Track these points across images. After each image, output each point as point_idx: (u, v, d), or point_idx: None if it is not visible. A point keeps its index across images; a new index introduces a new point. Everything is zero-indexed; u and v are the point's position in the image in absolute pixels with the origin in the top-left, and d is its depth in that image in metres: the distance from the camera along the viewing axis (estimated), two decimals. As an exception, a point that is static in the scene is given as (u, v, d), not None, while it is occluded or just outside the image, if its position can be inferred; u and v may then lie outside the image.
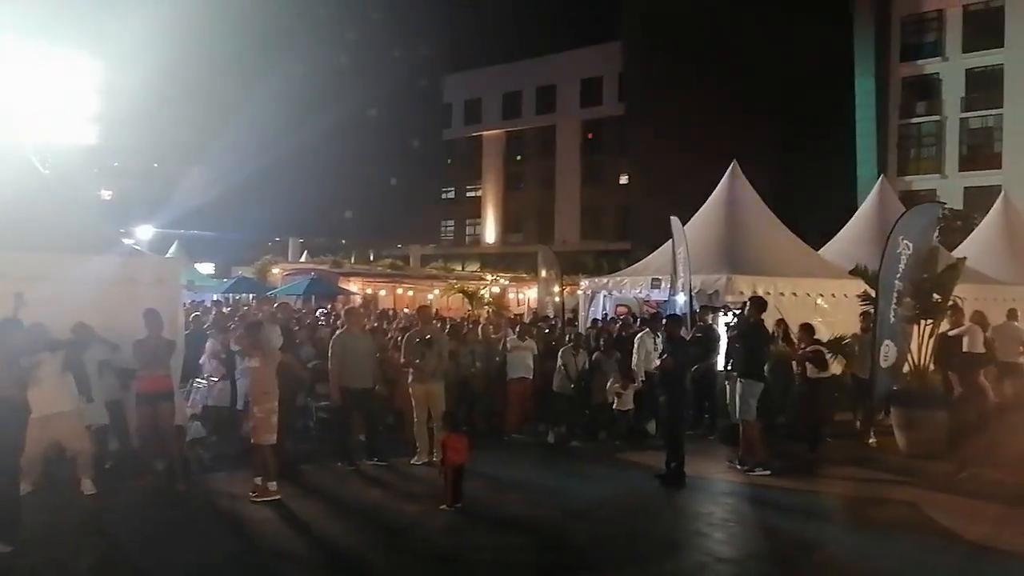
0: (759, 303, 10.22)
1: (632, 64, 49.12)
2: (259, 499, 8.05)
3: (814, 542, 7.35)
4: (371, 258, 46.04)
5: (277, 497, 8.10)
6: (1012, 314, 13.66)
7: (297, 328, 13.16)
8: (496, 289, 32.35)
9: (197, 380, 10.90)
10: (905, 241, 10.22)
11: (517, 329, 12.87)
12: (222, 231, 43.05)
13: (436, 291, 31.18)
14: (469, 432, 9.42)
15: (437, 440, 9.62)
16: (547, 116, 55.95)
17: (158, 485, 8.52)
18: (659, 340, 11.14)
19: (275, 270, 32.13)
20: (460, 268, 45.03)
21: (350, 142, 47.69)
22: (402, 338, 10.79)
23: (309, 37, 45.62)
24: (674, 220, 13.84)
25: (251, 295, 25.75)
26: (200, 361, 11.20)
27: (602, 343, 12.58)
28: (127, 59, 37.87)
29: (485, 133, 59.18)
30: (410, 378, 10.09)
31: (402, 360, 10.31)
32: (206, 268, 37.12)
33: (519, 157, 58.61)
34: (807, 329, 11.29)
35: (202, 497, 8.34)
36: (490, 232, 58.92)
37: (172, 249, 28.42)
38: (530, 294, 33.02)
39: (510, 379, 11.99)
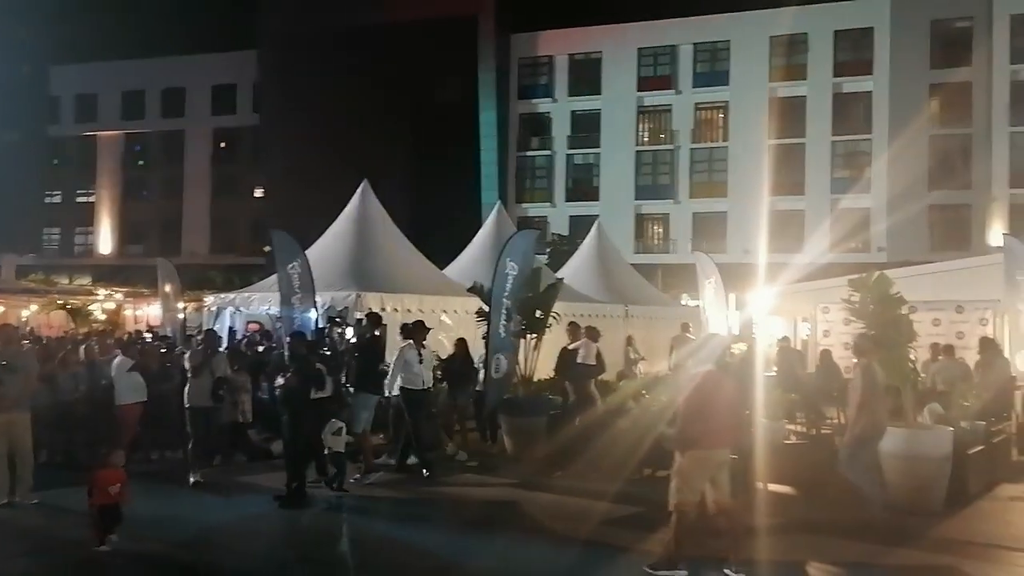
0: (375, 318, 10.51)
1: (267, 75, 47.84)
2: None
3: (424, 547, 7.67)
4: (-50, 268, 39.14)
5: None
6: (685, 327, 15.81)
7: None
8: (111, 305, 29.32)
9: None
10: (511, 262, 11.20)
11: (127, 349, 11.77)
12: None
13: (33, 307, 27.37)
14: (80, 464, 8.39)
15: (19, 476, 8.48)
16: (174, 120, 52.23)
17: None
18: (423, 353, 10.76)
19: None
20: (68, 282, 40.09)
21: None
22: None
23: None
24: (280, 235, 13.64)
25: None
26: None
27: (236, 366, 11.95)
28: None
29: (101, 133, 53.56)
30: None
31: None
32: None
33: (141, 162, 53.95)
34: None
35: None
36: (105, 242, 53.32)
37: None
38: (150, 311, 30.47)
39: (120, 404, 10.90)
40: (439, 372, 12.23)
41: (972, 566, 7.05)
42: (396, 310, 14.00)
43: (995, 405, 11.32)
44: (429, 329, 11.21)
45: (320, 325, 12.49)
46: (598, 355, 12.43)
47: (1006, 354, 12.96)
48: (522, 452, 11.40)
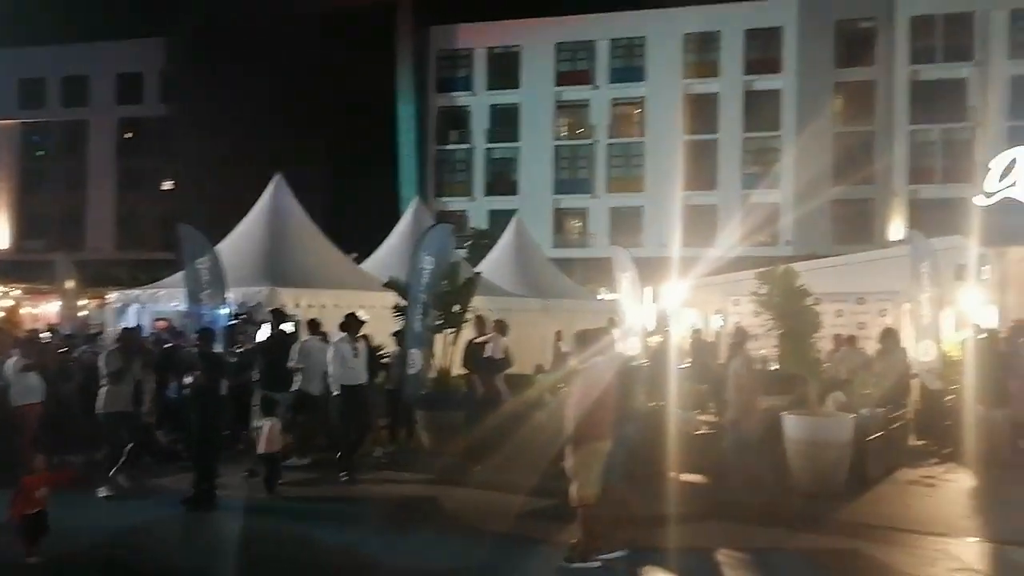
0: (279, 315, 10.33)
1: (176, 64, 46.30)
2: None
3: (342, 546, 7.56)
4: None
5: None
6: (611, 322, 15.84)
7: None
8: (8, 302, 27.88)
9: None
10: (428, 257, 11.15)
11: (26, 348, 11.20)
12: None
13: (-78, 305, 25.82)
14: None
15: None
16: (77, 110, 49.95)
17: None
18: (358, 346, 10.34)
19: None
20: (-40, 278, 37.97)
21: None
22: None
23: None
24: (188, 229, 13.26)
25: None
26: None
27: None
28: None
29: (-2, 122, 50.91)
30: None
31: None
32: None
33: (41, 153, 51.46)
34: None
35: None
36: (2, 237, 50.74)
37: None
38: (50, 308, 29.13)
39: (15, 405, 10.39)
40: None
41: (872, 548, 7.34)
42: (311, 306, 13.72)
43: (894, 393, 11.81)
44: (363, 322, 10.87)
45: (230, 322, 12.16)
46: (506, 349, 12.43)
47: (907, 343, 13.53)
48: (440, 447, 11.34)
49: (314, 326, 11.24)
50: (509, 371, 13.76)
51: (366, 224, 26.13)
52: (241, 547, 7.56)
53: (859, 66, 40.80)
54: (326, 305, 13.90)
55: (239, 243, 15.47)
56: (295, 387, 10.53)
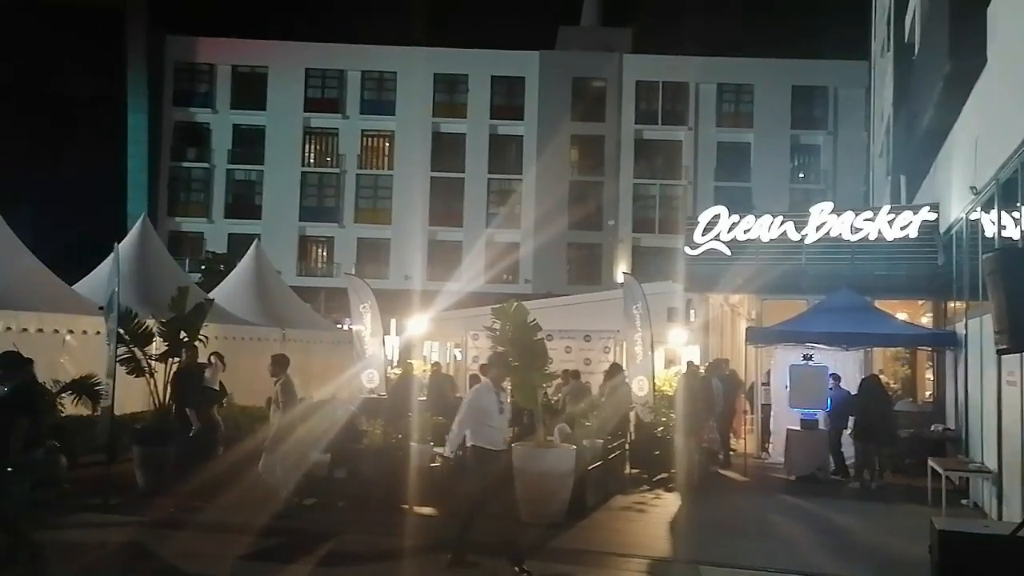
0: None
1: None
2: None
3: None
4: None
5: None
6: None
7: None
8: None
9: None
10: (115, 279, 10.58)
11: None
12: None
13: None
14: None
15: None
16: None
17: None
18: (503, 397, 8.12)
19: None
20: None
21: None
22: None
23: None
24: None
25: None
26: None
27: None
28: None
29: None
30: None
31: None
32: None
33: None
34: None
35: None
36: None
37: None
38: None
39: None
40: None
41: (585, 572, 7.79)
42: (10, 329, 12.22)
43: (616, 424, 12.76)
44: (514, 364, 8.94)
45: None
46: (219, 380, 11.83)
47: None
48: (156, 486, 10.48)
49: None
50: (244, 403, 13.16)
51: (87, 241, 23.78)
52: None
53: (592, 121, 44.24)
54: (28, 328, 12.47)
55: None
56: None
